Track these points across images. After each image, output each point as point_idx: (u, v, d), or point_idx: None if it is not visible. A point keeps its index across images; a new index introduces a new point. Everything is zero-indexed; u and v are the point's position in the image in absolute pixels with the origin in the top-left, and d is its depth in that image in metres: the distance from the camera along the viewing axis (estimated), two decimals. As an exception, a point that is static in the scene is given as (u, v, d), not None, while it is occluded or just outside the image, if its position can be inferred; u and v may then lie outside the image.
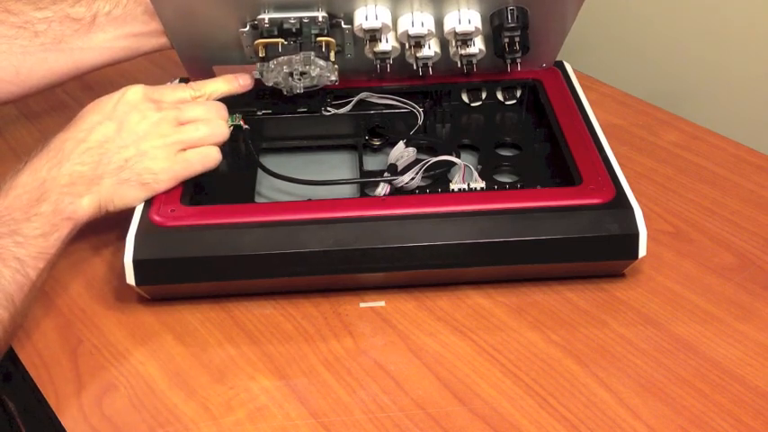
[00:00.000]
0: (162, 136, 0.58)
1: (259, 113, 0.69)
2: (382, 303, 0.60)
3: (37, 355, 0.57)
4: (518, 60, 0.67)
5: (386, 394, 0.53)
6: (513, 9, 0.64)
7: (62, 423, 0.52)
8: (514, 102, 0.73)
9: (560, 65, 0.73)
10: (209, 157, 0.61)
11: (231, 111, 0.67)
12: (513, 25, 0.64)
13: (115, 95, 0.60)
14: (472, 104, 0.73)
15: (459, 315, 0.59)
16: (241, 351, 0.57)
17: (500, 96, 0.73)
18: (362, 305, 0.60)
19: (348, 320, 0.59)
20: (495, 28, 0.65)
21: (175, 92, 0.62)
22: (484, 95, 0.73)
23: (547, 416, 0.52)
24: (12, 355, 0.56)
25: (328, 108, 0.69)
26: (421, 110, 0.70)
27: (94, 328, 0.58)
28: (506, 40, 0.65)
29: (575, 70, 0.73)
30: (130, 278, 0.56)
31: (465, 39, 0.65)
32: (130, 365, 0.56)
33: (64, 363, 0.56)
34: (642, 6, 0.91)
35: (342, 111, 0.70)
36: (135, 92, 0.59)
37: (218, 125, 0.61)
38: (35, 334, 0.58)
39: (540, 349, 0.56)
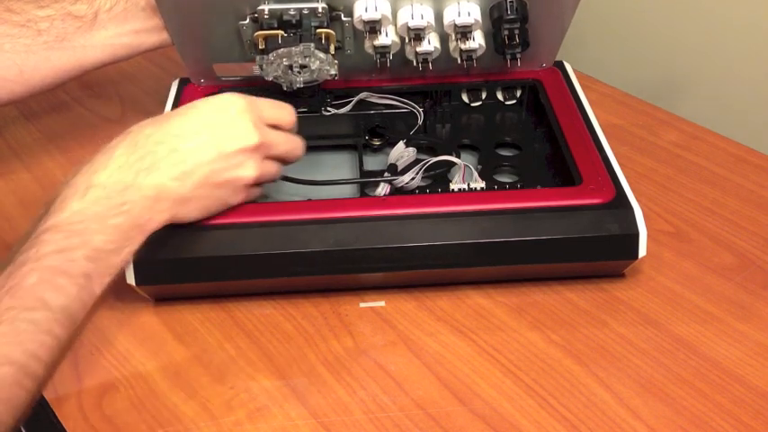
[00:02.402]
0: (253, 167, 0.55)
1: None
2: (382, 303, 0.60)
3: (37, 355, 0.57)
4: (518, 56, 0.67)
5: (386, 394, 0.53)
6: (512, 1, 0.63)
7: (62, 423, 0.52)
8: (514, 102, 0.73)
9: (560, 65, 0.73)
10: (259, 195, 0.59)
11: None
12: (512, 17, 0.64)
13: (211, 103, 0.55)
14: (472, 104, 0.73)
15: (459, 315, 0.59)
16: (241, 351, 0.57)
17: (500, 96, 0.73)
18: (362, 305, 0.60)
19: (348, 320, 0.59)
20: (494, 21, 0.65)
21: (274, 109, 0.58)
22: (484, 95, 0.73)
23: (547, 416, 0.52)
24: (12, 355, 0.56)
25: (328, 108, 0.69)
26: (421, 110, 0.70)
27: (94, 329, 0.58)
28: (506, 32, 0.65)
29: (574, 70, 0.73)
30: (130, 278, 0.56)
31: (465, 32, 0.65)
32: (130, 365, 0.56)
33: (64, 363, 0.56)
34: (642, 6, 0.90)
35: (342, 111, 0.70)
36: (235, 107, 0.55)
37: (278, 170, 0.59)
38: (35, 334, 0.58)
39: (540, 349, 0.56)
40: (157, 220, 0.52)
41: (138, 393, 0.54)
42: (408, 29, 0.64)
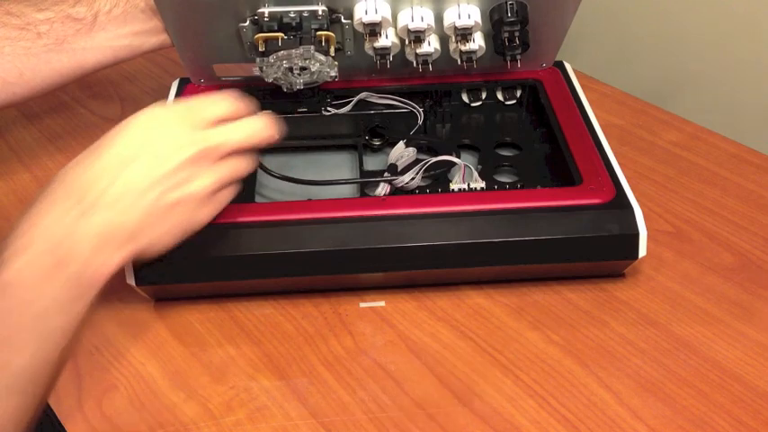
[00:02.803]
0: (206, 176, 0.50)
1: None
2: (382, 303, 0.60)
3: (37, 355, 0.57)
4: (518, 57, 0.67)
5: (386, 394, 0.53)
6: (512, 3, 0.64)
7: (62, 423, 0.52)
8: (514, 102, 0.73)
9: (560, 65, 0.73)
10: (232, 196, 0.54)
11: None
12: (512, 20, 0.64)
13: (140, 121, 0.50)
14: (472, 104, 0.73)
15: (459, 315, 0.59)
16: (241, 351, 0.57)
17: (500, 96, 0.73)
18: (362, 305, 0.60)
19: (348, 320, 0.59)
20: (494, 23, 0.65)
21: (209, 106, 0.52)
22: (484, 95, 0.73)
23: (547, 416, 0.52)
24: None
25: (328, 108, 0.69)
26: (421, 110, 0.70)
27: (94, 329, 0.58)
28: (506, 35, 0.65)
29: (575, 70, 0.73)
30: (130, 278, 0.56)
31: (465, 34, 0.65)
32: (130, 365, 0.56)
33: (64, 363, 0.56)
34: (642, 6, 0.90)
35: (342, 111, 0.70)
36: (167, 119, 0.50)
37: (248, 160, 0.53)
38: (35, 334, 0.58)
39: (540, 349, 0.56)
40: (111, 262, 0.48)
41: (138, 393, 0.54)
42: (408, 31, 0.64)
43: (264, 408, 0.53)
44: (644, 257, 0.57)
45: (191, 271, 0.57)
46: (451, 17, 0.64)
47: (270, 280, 0.58)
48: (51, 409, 0.53)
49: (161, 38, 0.68)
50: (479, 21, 0.64)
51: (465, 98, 0.73)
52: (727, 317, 0.58)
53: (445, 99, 0.72)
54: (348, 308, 0.59)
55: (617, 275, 0.61)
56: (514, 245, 0.57)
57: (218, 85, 0.71)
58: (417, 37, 0.65)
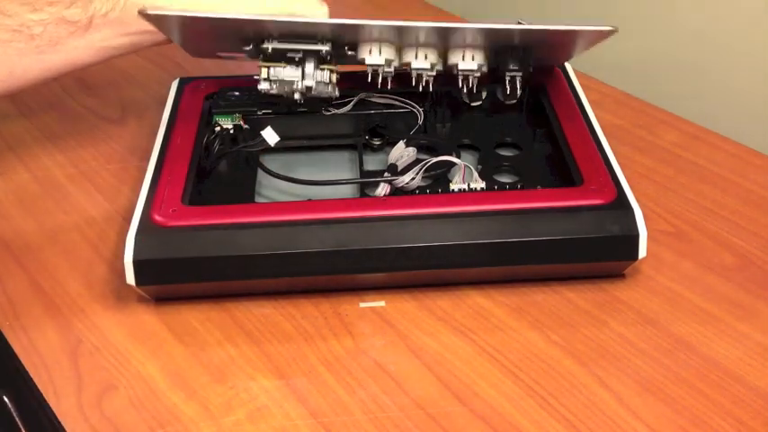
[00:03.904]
0: None
1: (259, 113, 0.69)
2: (382, 303, 0.60)
3: (37, 355, 0.57)
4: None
5: (386, 394, 0.53)
6: (517, 49, 0.63)
7: (62, 423, 0.52)
8: (515, 102, 0.73)
9: (561, 65, 0.73)
10: None
11: (231, 110, 0.67)
12: (515, 68, 0.64)
13: None
14: (472, 104, 0.73)
15: (459, 315, 0.59)
16: (241, 351, 0.57)
17: (500, 96, 0.73)
18: (362, 305, 0.60)
19: (348, 320, 0.59)
20: (498, 64, 0.64)
21: None
22: (484, 95, 0.73)
23: (547, 416, 0.52)
24: (11, 355, 0.56)
25: (328, 108, 0.69)
26: (421, 110, 0.70)
27: (94, 328, 0.58)
28: (508, 78, 0.64)
29: (575, 70, 0.73)
30: (130, 278, 0.56)
31: (467, 75, 0.65)
32: (130, 365, 0.56)
33: (64, 363, 0.56)
34: (643, 6, 0.91)
35: (342, 110, 0.70)
36: None
37: None
38: (35, 334, 0.58)
39: (540, 349, 0.56)
40: None
41: (138, 393, 0.54)
42: (412, 69, 0.64)
43: (264, 408, 0.53)
44: (644, 257, 0.57)
45: (191, 271, 0.57)
46: (455, 59, 0.64)
47: (270, 280, 0.58)
48: (51, 409, 0.53)
49: (158, 37, 0.68)
50: (483, 64, 0.64)
51: (465, 98, 0.73)
52: (727, 317, 0.58)
53: (445, 99, 0.72)
54: (348, 308, 0.59)
55: (617, 276, 0.61)
56: (515, 245, 0.57)
57: (218, 84, 0.71)
58: (419, 75, 0.64)
